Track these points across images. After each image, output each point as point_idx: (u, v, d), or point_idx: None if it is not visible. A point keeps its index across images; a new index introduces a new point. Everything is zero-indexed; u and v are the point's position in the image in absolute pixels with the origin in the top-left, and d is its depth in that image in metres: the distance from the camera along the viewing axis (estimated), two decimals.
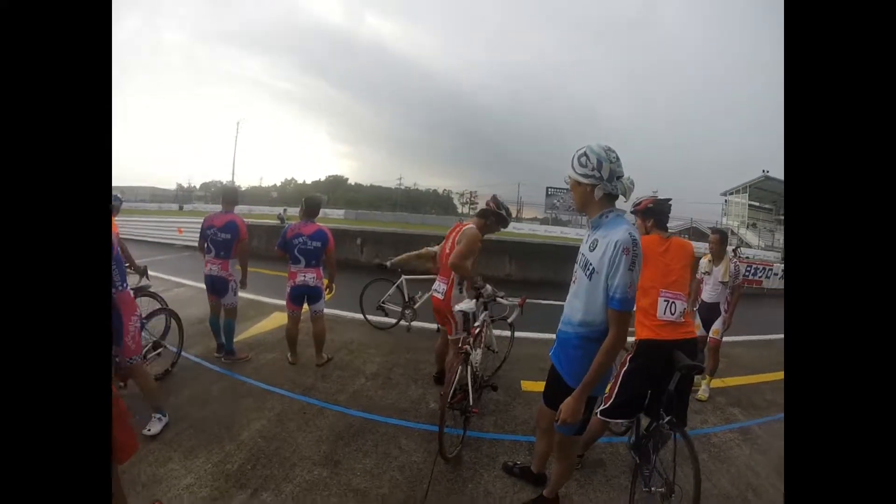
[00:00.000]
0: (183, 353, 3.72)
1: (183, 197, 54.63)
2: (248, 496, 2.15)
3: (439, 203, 67.78)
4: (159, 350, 3.39)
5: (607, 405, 2.23)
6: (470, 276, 2.98)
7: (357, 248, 9.83)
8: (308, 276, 3.62)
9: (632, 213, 2.49)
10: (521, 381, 3.64)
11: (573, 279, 1.82)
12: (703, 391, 3.67)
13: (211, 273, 3.69)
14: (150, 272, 3.93)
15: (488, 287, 2.99)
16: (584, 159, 1.65)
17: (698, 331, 3.82)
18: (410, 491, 2.27)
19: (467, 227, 3.06)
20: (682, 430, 2.00)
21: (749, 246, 28.02)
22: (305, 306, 3.74)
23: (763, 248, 31.05)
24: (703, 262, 3.84)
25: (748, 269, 11.14)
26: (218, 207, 3.98)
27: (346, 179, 77.18)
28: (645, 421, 2.27)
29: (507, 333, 4.03)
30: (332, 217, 40.00)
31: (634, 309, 1.75)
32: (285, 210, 28.09)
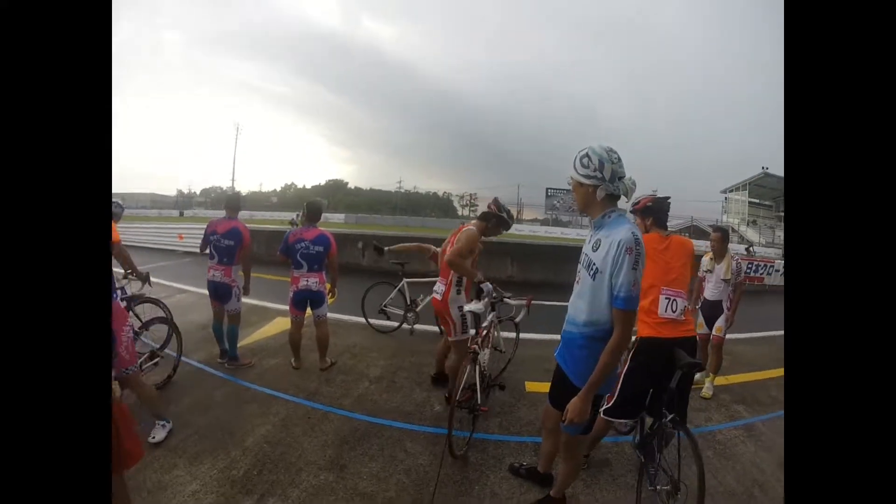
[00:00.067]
0: (186, 360, 3.72)
1: (183, 203, 54.57)
2: (255, 502, 2.15)
3: (439, 206, 67.88)
4: (157, 360, 3.35)
5: (610, 404, 2.24)
6: (469, 272, 2.99)
7: (358, 251, 9.84)
8: (311, 281, 3.62)
9: (631, 212, 2.50)
10: (526, 382, 3.64)
11: (577, 279, 1.82)
12: (706, 389, 3.67)
13: (214, 279, 3.70)
14: (151, 279, 3.93)
15: (489, 284, 3.00)
16: (586, 160, 1.67)
17: (701, 329, 3.82)
18: (417, 494, 2.27)
19: (467, 227, 3.09)
20: (686, 427, 2.00)
21: (753, 244, 27.96)
22: (308, 311, 3.74)
23: (764, 244, 31.02)
24: (705, 260, 3.84)
25: (749, 265, 11.14)
26: (218, 213, 3.98)
27: (346, 183, 77.53)
28: (649, 420, 2.28)
29: (513, 335, 4.04)
30: (333, 221, 40.01)
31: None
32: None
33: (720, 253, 3.75)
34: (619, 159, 1.66)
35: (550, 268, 9.14)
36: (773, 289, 10.90)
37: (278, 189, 77.14)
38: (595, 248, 1.69)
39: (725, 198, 40.22)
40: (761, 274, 11.40)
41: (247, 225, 3.85)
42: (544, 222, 47.62)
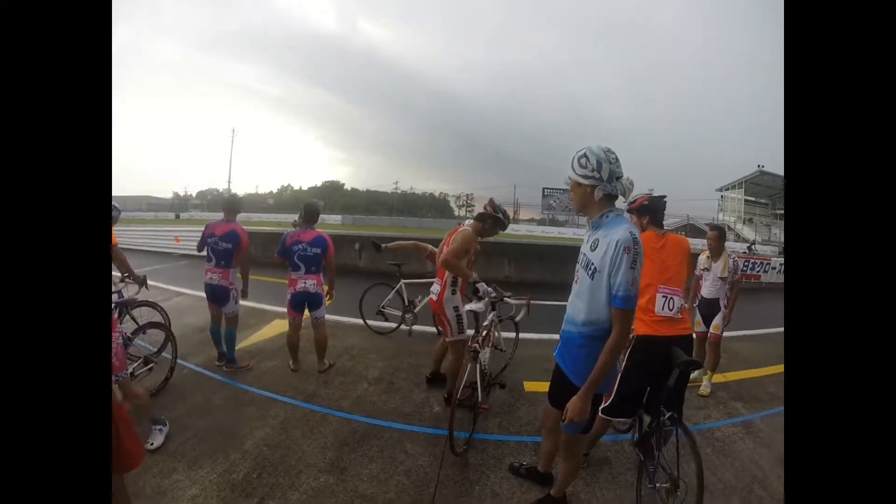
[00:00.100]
0: (184, 363, 3.71)
1: (179, 206, 54.30)
2: None
3: (436, 206, 67.85)
4: (151, 365, 3.30)
5: (607, 403, 2.24)
6: (463, 273, 3.00)
7: (355, 252, 9.83)
8: (308, 283, 3.62)
9: (627, 211, 2.51)
10: (525, 382, 3.65)
11: (575, 279, 1.83)
12: (704, 386, 3.69)
13: (211, 282, 3.67)
14: (148, 282, 3.91)
15: (484, 284, 3.02)
16: (583, 160, 1.67)
17: (699, 327, 3.84)
18: (417, 495, 2.27)
19: (463, 228, 3.11)
20: (684, 425, 2.02)
21: (755, 242, 28.08)
22: (306, 313, 3.73)
23: (760, 242, 31.20)
24: (702, 258, 3.86)
25: (746, 263, 11.20)
26: (214, 216, 3.96)
27: (343, 185, 77.25)
28: (647, 418, 2.29)
29: (512, 335, 4.05)
30: (330, 223, 39.94)
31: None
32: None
33: (717, 251, 3.77)
34: (617, 159, 1.67)
35: (548, 268, 9.16)
36: (770, 286, 10.97)
37: (275, 191, 77.07)
38: (593, 248, 1.70)
39: (721, 196, 40.43)
40: (758, 272, 11.45)
41: (244, 227, 3.84)
42: (541, 222, 47.70)
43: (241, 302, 3.84)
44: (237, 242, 3.66)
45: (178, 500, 2.16)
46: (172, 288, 6.96)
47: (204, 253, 3.77)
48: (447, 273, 3.09)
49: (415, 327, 4.90)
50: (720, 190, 40.58)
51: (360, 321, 5.09)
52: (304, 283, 3.61)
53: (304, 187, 75.46)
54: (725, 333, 3.86)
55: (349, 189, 75.24)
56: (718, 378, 3.88)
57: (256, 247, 9.69)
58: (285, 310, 3.76)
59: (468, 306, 3.01)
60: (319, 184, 75.76)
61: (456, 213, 60.69)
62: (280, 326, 4.81)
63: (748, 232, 35.13)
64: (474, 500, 2.25)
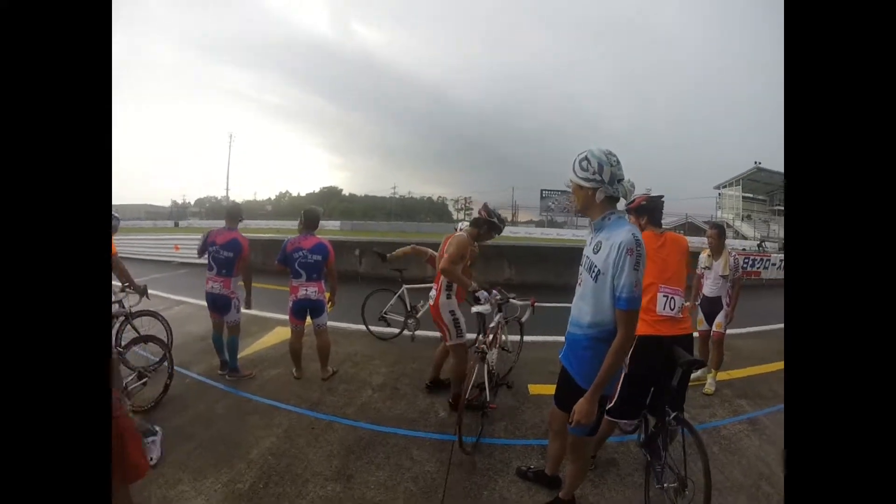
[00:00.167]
0: (187, 372, 3.70)
1: (178, 214, 54.37)
2: None
3: (434, 210, 67.95)
4: (145, 380, 3.26)
5: (611, 404, 2.24)
6: (462, 281, 3.02)
7: (355, 258, 9.81)
8: (310, 290, 3.61)
9: (625, 211, 2.53)
10: (529, 385, 3.64)
11: (578, 282, 1.84)
12: (709, 385, 3.68)
13: (212, 291, 3.66)
14: (149, 291, 3.90)
15: (484, 292, 3.04)
16: (585, 163, 1.68)
17: (702, 325, 3.84)
18: (426, 502, 2.25)
19: (458, 234, 3.16)
20: (689, 424, 2.02)
21: (764, 240, 28.01)
22: (308, 320, 3.72)
23: (759, 238, 31.22)
24: (703, 256, 3.86)
25: (746, 260, 11.20)
26: (212, 223, 3.96)
27: (341, 190, 77.44)
28: (652, 419, 2.28)
29: (516, 338, 4.05)
30: (328, 228, 39.92)
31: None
32: None
33: (717, 249, 3.77)
34: (618, 162, 1.68)
35: (549, 269, 9.16)
36: (771, 283, 10.97)
37: (273, 198, 77.23)
38: (596, 251, 1.70)
39: (719, 193, 40.48)
40: (758, 268, 11.46)
41: (245, 235, 3.83)
42: (539, 224, 47.67)
43: (244, 310, 3.83)
44: (238, 251, 3.66)
45: None
46: (173, 297, 6.95)
47: (204, 259, 3.76)
48: (443, 278, 3.11)
49: (417, 332, 4.90)
50: (718, 187, 40.65)
51: (363, 327, 5.08)
52: (306, 290, 3.60)
53: (303, 193, 75.72)
54: (727, 331, 3.86)
55: (347, 194, 75.39)
56: (722, 376, 3.88)
57: (256, 254, 9.68)
58: (287, 317, 3.75)
59: (475, 309, 3.04)
60: (317, 190, 76.03)
61: (454, 217, 60.76)
62: (282, 334, 4.80)
63: (747, 229, 35.15)
64: None
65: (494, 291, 3.11)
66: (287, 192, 78.83)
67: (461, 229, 3.27)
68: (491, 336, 2.99)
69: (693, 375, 3.40)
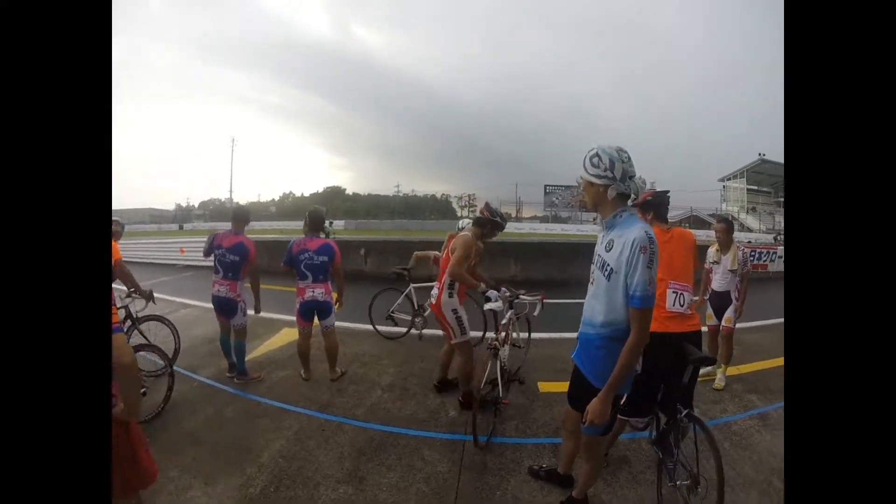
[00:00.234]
0: (195, 376, 3.71)
1: (182, 217, 54.68)
2: None
3: (438, 208, 67.85)
4: (143, 390, 3.19)
5: (621, 403, 2.22)
6: (471, 283, 3.05)
7: (361, 258, 9.83)
8: (317, 292, 3.60)
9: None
10: (539, 383, 3.62)
11: (591, 280, 1.82)
12: (719, 380, 3.65)
13: (219, 294, 3.65)
14: (155, 294, 3.90)
15: (494, 292, 3.07)
16: (596, 160, 1.66)
17: (710, 320, 3.81)
18: (438, 502, 2.25)
19: (462, 234, 3.19)
20: (701, 421, 2.00)
21: (780, 233, 27.79)
22: (316, 321, 3.72)
23: (764, 231, 31.03)
24: (711, 251, 3.83)
25: (752, 253, 11.12)
26: (216, 225, 3.96)
27: (344, 190, 77.55)
28: (663, 416, 2.26)
29: (524, 334, 4.04)
30: (332, 228, 39.98)
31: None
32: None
33: (726, 244, 3.74)
34: (629, 158, 1.66)
35: (554, 265, 9.14)
36: (777, 276, 10.89)
37: (276, 198, 77.47)
38: (608, 249, 1.68)
39: (724, 186, 40.23)
40: (765, 261, 11.37)
41: (251, 238, 3.83)
42: (543, 219, 47.59)
43: (251, 313, 3.83)
44: (245, 255, 3.65)
45: None
46: (179, 300, 6.96)
47: (210, 260, 3.75)
48: (445, 276, 3.13)
49: (425, 331, 4.89)
50: (722, 180, 40.38)
51: (370, 327, 5.08)
52: (313, 291, 3.59)
53: (306, 194, 75.93)
54: (736, 325, 3.82)
55: (351, 194, 75.51)
56: (732, 371, 3.85)
57: (261, 255, 9.70)
58: (294, 318, 3.75)
59: (487, 306, 3.07)
60: (321, 190, 76.20)
61: (458, 215, 60.68)
62: (289, 335, 4.81)
63: (752, 221, 34.92)
64: None
65: (503, 289, 3.12)
66: (291, 192, 79.17)
67: (463, 227, 3.28)
68: (503, 333, 3.01)
69: (702, 371, 3.37)
